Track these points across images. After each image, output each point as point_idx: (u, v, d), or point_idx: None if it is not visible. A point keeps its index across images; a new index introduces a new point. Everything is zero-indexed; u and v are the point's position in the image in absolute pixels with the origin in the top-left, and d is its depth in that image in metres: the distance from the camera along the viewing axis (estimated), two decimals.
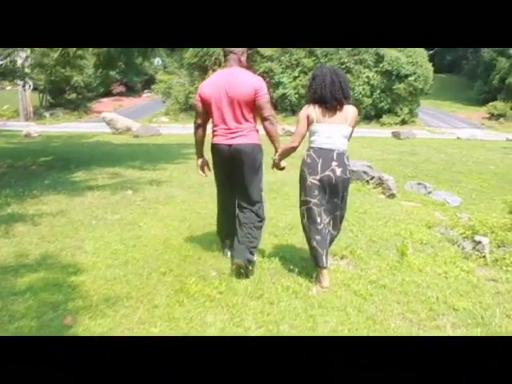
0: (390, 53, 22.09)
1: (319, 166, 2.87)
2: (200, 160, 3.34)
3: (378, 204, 5.24)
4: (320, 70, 2.94)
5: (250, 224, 3.07)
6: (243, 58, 3.08)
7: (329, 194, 2.92)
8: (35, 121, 25.50)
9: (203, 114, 3.12)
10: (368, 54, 22.22)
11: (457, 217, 4.54)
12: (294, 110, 22.23)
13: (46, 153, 10.13)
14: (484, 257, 3.49)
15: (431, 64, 23.84)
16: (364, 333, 2.38)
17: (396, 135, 16.23)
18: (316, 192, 2.90)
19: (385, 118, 23.03)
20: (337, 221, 3.03)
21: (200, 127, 3.19)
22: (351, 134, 2.99)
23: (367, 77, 22.37)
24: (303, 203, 2.98)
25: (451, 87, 34.92)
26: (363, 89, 22.39)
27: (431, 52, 25.04)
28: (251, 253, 3.03)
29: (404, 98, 22.84)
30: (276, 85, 22.67)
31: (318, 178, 2.88)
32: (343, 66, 21.31)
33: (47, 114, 27.21)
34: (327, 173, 2.86)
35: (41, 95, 28.16)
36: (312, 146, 2.94)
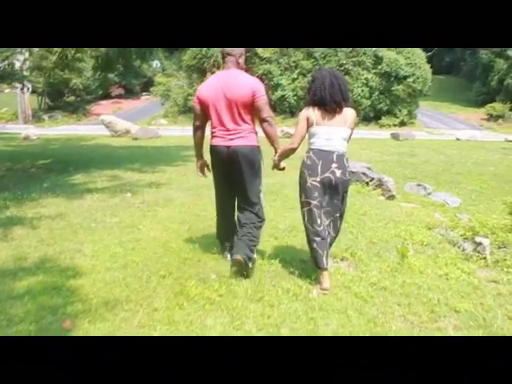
0: (388, 54, 22.13)
1: (319, 167, 2.87)
2: (200, 161, 3.35)
3: (378, 205, 5.23)
4: (319, 73, 2.96)
5: (251, 224, 3.08)
6: (241, 60, 3.10)
7: (329, 196, 2.93)
8: (34, 123, 25.50)
9: (201, 115, 3.13)
10: (366, 55, 22.25)
11: (457, 218, 4.54)
12: (292, 112, 22.25)
13: (45, 155, 10.12)
14: (485, 258, 3.48)
15: (429, 65, 23.90)
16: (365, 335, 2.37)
17: (395, 136, 16.22)
18: (316, 193, 2.90)
19: (384, 120, 23.05)
20: (336, 222, 3.04)
21: (198, 129, 3.21)
22: (350, 136, 3.00)
23: (366, 78, 22.39)
24: (304, 205, 2.98)
25: (450, 88, 35.00)
26: (362, 90, 22.41)
27: (429, 53, 25.10)
28: (251, 250, 3.02)
29: (403, 99, 22.87)
30: (275, 87, 22.68)
31: (318, 179, 2.88)
32: (342, 68, 21.34)
33: (46, 117, 27.21)
34: (327, 174, 2.87)
35: (39, 98, 28.16)
36: (312, 147, 2.94)
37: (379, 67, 22.33)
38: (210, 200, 4.06)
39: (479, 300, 2.82)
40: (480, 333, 2.42)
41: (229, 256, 3.26)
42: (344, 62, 22.26)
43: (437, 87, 30.24)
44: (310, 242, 2.96)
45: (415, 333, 2.42)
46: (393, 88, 22.51)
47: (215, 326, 2.42)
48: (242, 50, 3.09)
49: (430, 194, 6.29)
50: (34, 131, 17.84)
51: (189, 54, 23.49)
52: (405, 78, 22.39)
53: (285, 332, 2.38)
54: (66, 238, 3.82)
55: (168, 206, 5.04)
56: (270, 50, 22.53)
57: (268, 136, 3.07)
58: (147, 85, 35.05)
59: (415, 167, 9.16)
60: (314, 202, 2.90)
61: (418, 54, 22.98)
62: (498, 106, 25.99)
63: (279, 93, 22.81)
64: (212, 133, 3.12)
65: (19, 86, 16.05)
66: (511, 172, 8.93)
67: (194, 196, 5.53)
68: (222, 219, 3.33)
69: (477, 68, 33.01)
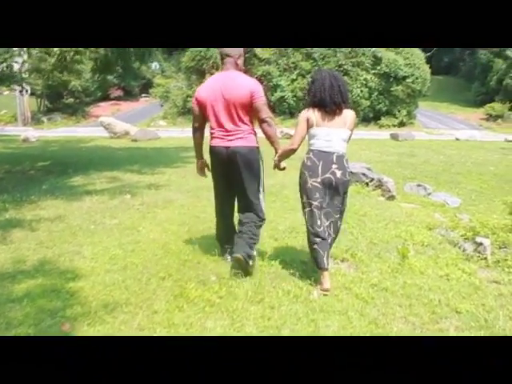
0: (387, 55, 22.13)
1: (320, 168, 2.88)
2: (200, 161, 3.36)
3: (378, 206, 5.22)
4: (319, 74, 2.96)
5: (252, 223, 3.09)
6: (240, 62, 3.10)
7: (329, 196, 2.94)
8: (33, 126, 25.46)
9: (200, 117, 3.14)
10: (365, 56, 22.25)
11: (457, 218, 4.53)
12: (292, 113, 22.24)
13: (44, 158, 10.09)
14: (485, 258, 3.47)
15: (428, 66, 23.91)
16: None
17: (394, 137, 16.21)
18: (317, 194, 2.90)
19: (383, 120, 23.03)
20: (336, 223, 3.03)
21: (198, 130, 3.23)
22: (350, 137, 3.01)
23: (365, 79, 22.38)
24: (305, 205, 2.99)
25: (449, 89, 35.01)
26: (361, 91, 22.40)
27: (428, 54, 25.10)
28: (251, 248, 3.02)
29: (402, 99, 22.86)
30: (274, 88, 22.66)
31: (318, 180, 2.89)
32: (341, 69, 21.31)
33: (45, 119, 27.16)
34: (328, 175, 2.88)
35: (38, 100, 28.13)
36: (312, 148, 2.95)
37: (378, 68, 22.33)
38: (209, 202, 4.05)
39: (480, 301, 2.81)
40: (482, 334, 2.41)
41: (229, 258, 3.25)
42: (343, 62, 22.25)
43: (436, 87, 30.26)
44: (310, 242, 2.96)
45: (416, 334, 2.40)
46: (392, 88, 22.50)
47: (215, 328, 2.40)
48: (240, 51, 3.09)
49: (429, 194, 6.28)
50: (33, 133, 17.80)
51: (188, 56, 23.50)
52: (404, 78, 22.39)
53: (285, 334, 2.36)
54: (65, 241, 3.81)
55: (167, 207, 5.03)
56: (269, 50, 22.53)
57: (268, 136, 3.07)
58: (146, 86, 35.00)
59: (415, 167, 9.15)
60: (315, 203, 2.91)
61: (417, 55, 22.99)
62: (497, 106, 26.01)
63: (278, 94, 22.80)
64: (211, 134, 3.12)
65: (18, 88, 16.07)
66: (511, 172, 8.93)
67: (194, 198, 5.51)
68: (222, 220, 3.33)
69: (476, 68, 33.02)
